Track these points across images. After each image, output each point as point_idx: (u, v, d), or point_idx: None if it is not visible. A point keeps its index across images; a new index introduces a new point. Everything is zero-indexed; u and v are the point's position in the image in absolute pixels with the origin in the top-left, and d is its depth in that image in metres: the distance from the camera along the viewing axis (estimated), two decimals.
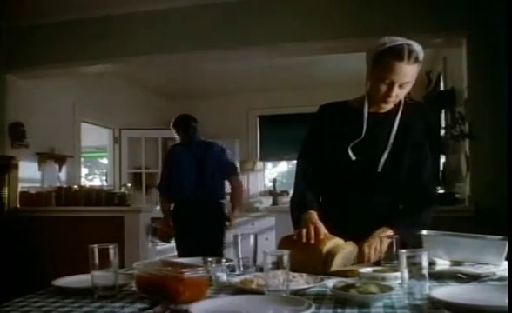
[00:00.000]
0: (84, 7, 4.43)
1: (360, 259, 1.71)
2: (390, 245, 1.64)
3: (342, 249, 1.66)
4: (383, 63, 1.80)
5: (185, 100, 7.77)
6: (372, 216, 1.83)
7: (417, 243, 1.66)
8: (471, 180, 3.75)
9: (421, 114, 2.02)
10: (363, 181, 1.86)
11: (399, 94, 1.84)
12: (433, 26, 3.79)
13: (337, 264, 1.63)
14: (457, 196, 3.93)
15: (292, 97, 7.05)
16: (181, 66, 5.86)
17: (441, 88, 4.88)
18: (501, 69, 3.33)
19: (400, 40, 1.80)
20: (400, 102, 1.90)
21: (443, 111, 4.51)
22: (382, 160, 1.85)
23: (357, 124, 1.90)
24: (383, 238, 1.73)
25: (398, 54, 1.77)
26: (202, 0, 4.26)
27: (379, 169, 1.85)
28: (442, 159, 4.46)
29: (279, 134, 7.36)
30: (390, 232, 1.76)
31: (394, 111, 1.91)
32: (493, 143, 3.57)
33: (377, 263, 1.62)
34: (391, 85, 1.81)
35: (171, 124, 4.41)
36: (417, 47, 1.81)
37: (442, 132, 4.44)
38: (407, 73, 1.79)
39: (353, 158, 1.87)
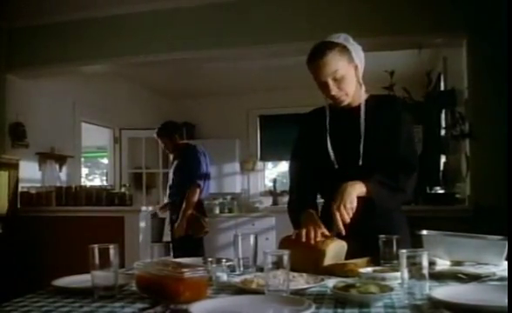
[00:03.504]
0: (84, 7, 4.43)
1: (335, 224, 1.67)
2: (387, 243, 1.61)
3: (332, 243, 1.67)
4: (309, 70, 1.85)
5: (185, 100, 7.78)
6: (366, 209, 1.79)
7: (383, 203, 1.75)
8: (471, 180, 3.75)
9: (391, 101, 2.04)
10: (353, 175, 1.82)
11: (343, 87, 1.83)
12: (433, 26, 3.79)
13: (330, 256, 1.64)
14: (457, 196, 3.93)
15: (292, 97, 7.05)
16: (181, 66, 5.86)
17: (442, 88, 4.87)
18: (501, 70, 3.34)
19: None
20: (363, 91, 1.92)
21: (443, 111, 4.51)
22: (361, 151, 1.85)
23: (333, 124, 1.93)
24: (350, 190, 1.70)
25: (311, 55, 1.83)
26: (202, 0, 4.27)
27: (361, 162, 1.84)
28: (442, 159, 4.45)
29: (279, 134, 7.35)
30: (359, 185, 1.73)
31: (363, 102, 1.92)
32: (493, 143, 3.57)
33: (377, 263, 1.61)
34: (325, 83, 1.82)
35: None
36: (335, 36, 1.84)
37: (443, 132, 4.44)
38: (330, 64, 1.79)
39: (333, 159, 1.88)
